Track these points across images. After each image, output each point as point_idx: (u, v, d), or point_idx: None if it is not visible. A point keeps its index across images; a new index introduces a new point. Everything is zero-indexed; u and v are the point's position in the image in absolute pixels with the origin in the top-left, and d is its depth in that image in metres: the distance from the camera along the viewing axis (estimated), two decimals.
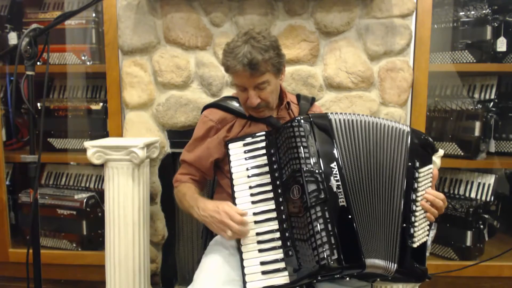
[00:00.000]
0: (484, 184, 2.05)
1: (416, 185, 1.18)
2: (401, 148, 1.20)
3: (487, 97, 2.12)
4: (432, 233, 1.22)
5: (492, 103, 2.09)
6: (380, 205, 1.14)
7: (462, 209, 1.96)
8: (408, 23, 1.88)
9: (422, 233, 1.16)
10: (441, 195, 1.20)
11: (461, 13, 2.05)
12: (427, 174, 1.22)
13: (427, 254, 1.17)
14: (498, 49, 2.04)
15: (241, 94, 1.34)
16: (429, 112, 2.08)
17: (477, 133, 2.00)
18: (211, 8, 1.88)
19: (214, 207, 1.21)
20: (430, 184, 1.22)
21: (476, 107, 2.01)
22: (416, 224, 1.15)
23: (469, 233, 1.97)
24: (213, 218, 1.20)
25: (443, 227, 2.02)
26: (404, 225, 1.13)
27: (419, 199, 1.17)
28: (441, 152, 1.64)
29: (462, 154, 2.04)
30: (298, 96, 1.55)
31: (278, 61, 1.29)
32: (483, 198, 2.03)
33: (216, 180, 1.52)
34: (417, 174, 1.19)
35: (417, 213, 1.16)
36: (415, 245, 1.13)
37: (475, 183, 2.08)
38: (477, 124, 1.99)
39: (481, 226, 1.99)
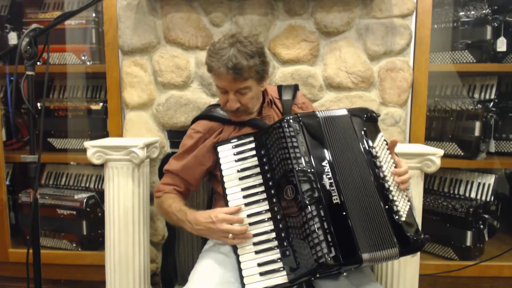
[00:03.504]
0: (484, 184, 2.05)
1: (378, 163, 1.17)
2: (352, 134, 1.20)
3: (487, 97, 2.12)
4: (410, 192, 1.21)
5: (492, 103, 2.09)
6: (364, 197, 1.13)
7: (462, 209, 1.96)
8: (408, 23, 1.88)
9: (403, 203, 1.15)
10: (403, 169, 1.19)
11: (461, 13, 2.05)
12: (381, 145, 1.21)
13: (415, 215, 1.17)
14: (498, 49, 2.04)
15: (222, 96, 1.34)
16: (429, 112, 2.08)
17: (477, 133, 2.00)
18: (211, 8, 1.88)
19: (206, 218, 1.20)
20: (388, 152, 1.21)
21: (476, 107, 2.01)
22: (395, 198, 1.14)
23: (469, 233, 1.97)
24: (210, 229, 1.20)
25: (443, 227, 2.02)
26: (387, 206, 1.12)
27: (386, 173, 1.16)
28: (441, 152, 1.64)
29: (462, 154, 2.04)
30: (280, 88, 1.53)
31: (262, 68, 1.29)
32: (483, 198, 2.03)
33: (214, 190, 1.52)
34: (374, 152, 1.19)
35: (391, 188, 1.15)
36: (403, 219, 1.12)
37: (475, 183, 2.08)
38: (477, 124, 1.99)
39: (481, 226, 1.99)
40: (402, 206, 1.14)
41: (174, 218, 1.32)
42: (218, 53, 1.25)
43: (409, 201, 1.17)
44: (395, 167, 1.20)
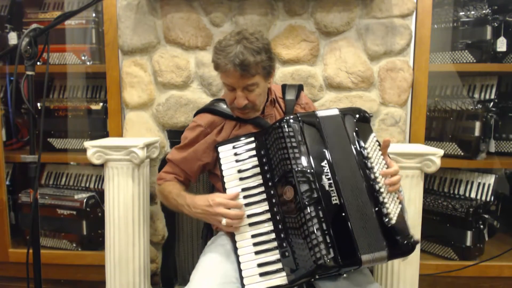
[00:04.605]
0: (484, 184, 2.05)
1: (369, 164, 1.16)
2: (344, 134, 1.19)
3: (487, 97, 2.12)
4: (402, 195, 1.20)
5: (492, 103, 2.09)
6: (357, 197, 1.13)
7: (462, 209, 1.96)
8: (408, 23, 1.88)
9: (394, 205, 1.14)
10: (393, 170, 1.17)
11: (461, 13, 2.05)
12: (373, 145, 1.20)
13: (406, 218, 1.15)
14: (498, 49, 2.04)
15: (229, 94, 1.34)
16: (429, 112, 2.08)
17: (477, 133, 2.00)
18: (211, 8, 1.88)
19: (204, 201, 1.22)
20: (380, 153, 1.20)
21: (476, 107, 2.01)
22: (386, 200, 1.13)
23: (469, 233, 1.96)
24: (206, 212, 1.21)
25: (443, 227, 2.02)
26: (376, 208, 1.11)
27: (377, 174, 1.15)
28: (441, 152, 1.64)
29: (462, 154, 2.04)
30: (284, 87, 1.53)
31: (269, 64, 1.29)
32: (483, 198, 2.03)
33: (214, 187, 1.52)
34: (366, 153, 1.17)
35: (382, 190, 1.14)
36: (393, 221, 1.11)
37: (475, 183, 2.08)
38: (477, 124, 1.99)
39: (481, 226, 1.99)
40: (392, 209, 1.12)
41: (174, 203, 1.34)
42: (225, 50, 1.24)
43: (401, 204, 1.16)
44: (387, 168, 1.19)
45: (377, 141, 1.22)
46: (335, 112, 1.23)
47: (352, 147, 1.18)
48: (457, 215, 1.97)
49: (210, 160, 1.41)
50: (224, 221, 1.16)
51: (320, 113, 1.22)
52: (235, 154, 1.29)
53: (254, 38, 1.25)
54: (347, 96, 1.91)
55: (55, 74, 2.29)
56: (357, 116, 1.23)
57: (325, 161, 1.14)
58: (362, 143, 1.18)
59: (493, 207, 2.11)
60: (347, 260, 1.06)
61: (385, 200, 1.13)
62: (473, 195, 2.06)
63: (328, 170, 1.13)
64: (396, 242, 1.09)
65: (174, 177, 1.44)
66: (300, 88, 1.54)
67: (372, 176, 1.15)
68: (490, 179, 2.05)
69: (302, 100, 1.54)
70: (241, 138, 1.31)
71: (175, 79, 1.92)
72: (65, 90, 2.32)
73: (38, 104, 2.07)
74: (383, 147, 1.21)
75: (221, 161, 1.29)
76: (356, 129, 1.20)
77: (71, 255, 2.09)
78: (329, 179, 1.12)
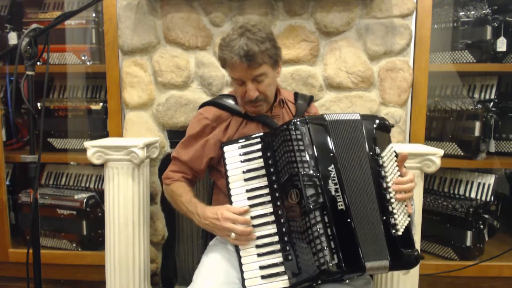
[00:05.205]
0: (484, 184, 2.05)
1: (383, 173, 1.15)
2: (361, 140, 1.18)
3: (487, 97, 2.12)
4: (412, 208, 1.19)
5: (492, 103, 2.09)
6: (365, 204, 1.12)
7: (462, 209, 1.96)
8: (408, 23, 1.88)
9: (403, 217, 1.14)
10: (407, 178, 1.17)
11: (461, 13, 2.05)
12: (390, 156, 1.19)
13: (414, 232, 1.15)
14: (498, 49, 2.04)
15: (239, 89, 1.33)
16: (429, 112, 2.08)
17: (477, 133, 2.00)
18: (211, 8, 1.88)
19: (213, 214, 1.21)
20: (396, 164, 1.19)
21: (476, 107, 2.01)
22: (395, 211, 1.12)
23: (469, 233, 1.96)
24: (215, 225, 1.20)
25: (443, 227, 2.02)
26: (384, 217, 1.11)
27: (389, 185, 1.15)
28: (441, 152, 1.64)
29: (462, 154, 2.04)
30: (296, 95, 1.53)
31: (274, 52, 1.28)
32: (483, 198, 2.03)
33: (213, 181, 1.51)
34: (381, 161, 1.16)
35: (392, 200, 1.13)
36: (399, 233, 1.11)
37: (475, 183, 2.08)
38: (477, 124, 1.99)
39: (481, 226, 1.99)
40: (400, 220, 1.12)
41: (183, 209, 1.33)
42: (229, 44, 1.24)
43: (410, 217, 1.16)
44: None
45: (394, 151, 1.21)
46: (356, 116, 1.21)
47: (367, 153, 1.16)
48: (457, 215, 1.97)
49: (215, 155, 1.39)
50: (233, 235, 1.16)
51: (335, 117, 1.20)
52: (241, 154, 1.27)
53: (256, 29, 1.25)
54: (347, 96, 1.91)
55: (55, 74, 2.29)
56: (377, 122, 1.21)
57: (332, 166, 1.13)
58: (378, 151, 1.17)
59: (493, 207, 2.11)
60: (351, 267, 1.05)
61: (394, 211, 1.12)
62: (473, 195, 2.06)
63: (335, 175, 1.12)
64: (400, 254, 1.09)
65: (182, 176, 1.41)
66: (311, 98, 1.54)
67: (385, 185, 1.14)
68: (490, 179, 2.05)
69: (312, 110, 1.54)
70: (247, 138, 1.29)
71: (175, 79, 1.92)
72: (65, 90, 2.32)
73: (38, 104, 2.07)
74: (400, 160, 1.21)
75: (226, 161, 1.28)
76: (375, 136, 1.19)
77: (71, 255, 2.09)
78: (335, 184, 1.11)
